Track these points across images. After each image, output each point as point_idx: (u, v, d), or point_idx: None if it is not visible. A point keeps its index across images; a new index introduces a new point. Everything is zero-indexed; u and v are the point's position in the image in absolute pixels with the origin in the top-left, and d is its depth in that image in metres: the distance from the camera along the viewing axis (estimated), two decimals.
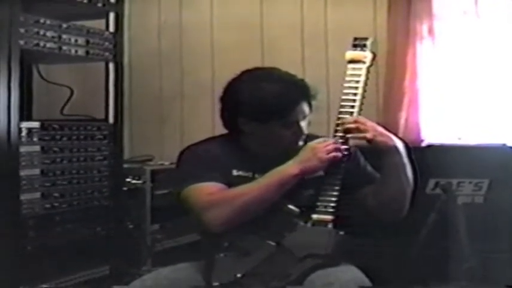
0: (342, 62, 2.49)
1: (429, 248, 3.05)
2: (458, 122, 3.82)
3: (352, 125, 2.40)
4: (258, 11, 4.30)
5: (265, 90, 2.44)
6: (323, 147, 2.38)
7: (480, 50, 3.76)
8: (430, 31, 3.86)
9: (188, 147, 2.59)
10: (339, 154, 2.38)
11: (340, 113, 2.43)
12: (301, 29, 4.20)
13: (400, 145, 2.42)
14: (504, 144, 3.46)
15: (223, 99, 2.56)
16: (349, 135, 2.42)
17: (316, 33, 4.15)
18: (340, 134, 2.42)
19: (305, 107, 2.48)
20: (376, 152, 2.42)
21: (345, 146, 2.41)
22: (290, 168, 2.39)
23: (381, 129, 2.43)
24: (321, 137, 2.48)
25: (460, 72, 3.82)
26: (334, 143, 2.40)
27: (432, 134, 3.84)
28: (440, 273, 3.12)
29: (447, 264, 3.08)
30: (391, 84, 3.93)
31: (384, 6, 3.97)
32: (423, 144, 3.77)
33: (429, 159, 3.03)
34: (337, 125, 2.43)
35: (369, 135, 2.38)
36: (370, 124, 2.42)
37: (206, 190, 2.41)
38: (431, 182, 3.16)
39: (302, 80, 2.51)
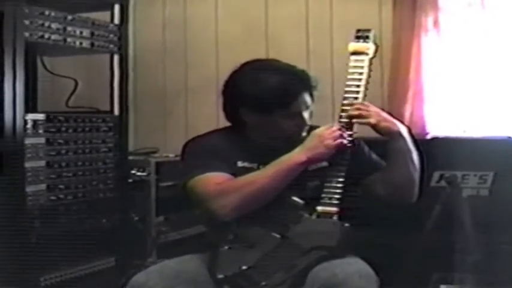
0: (346, 55, 2.48)
1: (434, 241, 3.05)
2: (463, 115, 3.82)
3: (356, 110, 2.40)
4: (263, 4, 4.30)
5: (266, 81, 2.44)
6: (329, 134, 2.38)
7: (485, 42, 3.75)
8: (436, 24, 3.85)
9: (193, 139, 2.60)
10: (345, 140, 2.38)
11: (344, 104, 2.43)
12: (306, 22, 4.20)
13: (404, 130, 2.43)
14: (509, 137, 3.46)
15: (225, 91, 2.57)
16: (353, 120, 2.41)
17: (321, 26, 4.15)
18: (345, 120, 2.42)
19: (307, 98, 2.48)
20: (381, 141, 2.43)
21: (350, 132, 2.41)
22: (297, 156, 2.39)
23: (385, 114, 2.44)
24: None
25: (465, 65, 3.82)
26: (340, 129, 2.40)
27: (437, 126, 3.84)
28: (445, 266, 3.12)
29: (452, 257, 3.08)
30: (396, 77, 3.93)
31: None
32: (428, 136, 3.77)
33: (434, 151, 3.02)
34: (342, 111, 2.43)
35: (372, 120, 2.39)
36: (374, 109, 2.42)
37: (213, 180, 2.41)
38: (436, 175, 3.16)
39: (303, 71, 2.52)
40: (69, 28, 3.23)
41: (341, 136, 2.38)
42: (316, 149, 2.38)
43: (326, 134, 2.39)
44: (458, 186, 3.11)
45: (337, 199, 2.35)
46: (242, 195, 2.36)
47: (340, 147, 2.38)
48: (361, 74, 2.43)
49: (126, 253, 3.48)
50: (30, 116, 3.02)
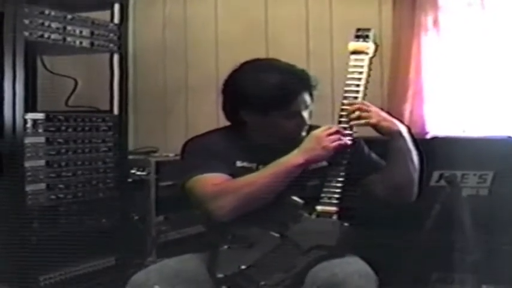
0: (346, 55, 2.48)
1: (433, 240, 3.05)
2: (463, 114, 3.82)
3: (357, 110, 2.40)
4: (263, 4, 4.29)
5: (265, 81, 2.44)
6: (327, 136, 2.38)
7: (485, 41, 3.75)
8: (435, 23, 3.85)
9: (192, 139, 2.60)
10: (344, 142, 2.38)
11: (343, 104, 2.43)
12: (306, 22, 4.20)
13: (404, 130, 2.44)
14: (509, 137, 3.45)
15: (224, 91, 2.57)
16: (353, 122, 2.41)
17: (321, 26, 4.14)
18: (344, 119, 2.42)
19: (306, 97, 2.48)
20: (381, 140, 2.43)
21: (349, 132, 2.41)
22: (295, 157, 2.39)
23: (384, 114, 2.44)
24: None
25: (465, 64, 3.81)
26: (338, 131, 2.40)
27: (437, 126, 3.84)
28: (445, 266, 3.12)
29: (451, 257, 3.08)
30: (395, 77, 3.93)
31: None
32: (428, 136, 3.76)
33: (434, 151, 3.03)
34: (342, 110, 2.43)
35: (373, 120, 2.39)
36: (374, 109, 2.43)
37: (211, 180, 2.42)
38: (436, 174, 3.16)
39: (302, 70, 2.52)
40: (69, 27, 3.22)
41: (339, 138, 2.38)
42: (314, 151, 2.38)
43: (324, 136, 2.39)
44: (457, 185, 3.10)
45: (337, 198, 2.36)
46: (240, 197, 2.36)
47: (339, 149, 2.38)
48: (361, 73, 2.43)
49: (126, 252, 3.47)
50: (30, 116, 3.02)
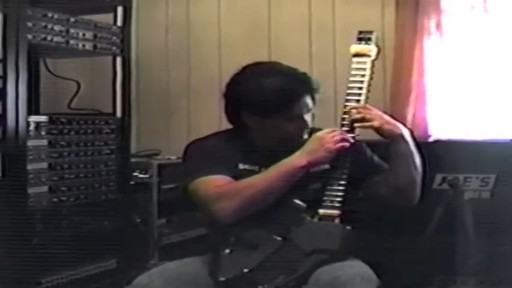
0: (349, 57, 2.48)
1: (436, 243, 3.05)
2: (465, 117, 3.81)
3: (359, 113, 2.40)
4: (266, 6, 4.29)
5: (267, 84, 2.44)
6: (330, 138, 2.38)
7: (488, 45, 3.74)
8: (438, 26, 3.84)
9: (194, 142, 2.60)
10: (347, 144, 2.38)
11: (346, 107, 2.43)
12: (309, 24, 4.20)
13: (406, 133, 2.43)
14: (511, 140, 3.46)
15: (226, 94, 2.56)
16: (356, 125, 2.42)
17: (324, 28, 4.14)
18: (347, 122, 2.42)
19: (308, 100, 2.48)
20: (383, 143, 2.43)
21: (352, 135, 2.41)
22: (297, 159, 2.39)
23: (387, 117, 2.44)
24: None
25: (468, 68, 3.81)
26: (341, 132, 2.40)
27: (439, 129, 3.84)
28: (447, 268, 3.11)
29: (454, 259, 3.07)
30: (398, 80, 3.92)
31: (391, 1, 3.96)
32: (430, 139, 3.76)
33: (436, 154, 3.02)
34: (344, 113, 2.43)
35: (375, 123, 2.39)
36: (377, 112, 2.43)
37: (214, 182, 2.41)
38: (438, 177, 3.15)
39: (304, 74, 2.51)
40: (72, 30, 3.23)
41: (342, 140, 2.38)
42: (317, 152, 2.38)
43: (327, 137, 2.39)
44: (460, 188, 3.10)
45: (339, 202, 2.35)
46: (242, 198, 2.36)
47: (341, 151, 2.38)
48: (363, 76, 2.43)
49: (128, 255, 3.47)
50: (33, 118, 3.03)
